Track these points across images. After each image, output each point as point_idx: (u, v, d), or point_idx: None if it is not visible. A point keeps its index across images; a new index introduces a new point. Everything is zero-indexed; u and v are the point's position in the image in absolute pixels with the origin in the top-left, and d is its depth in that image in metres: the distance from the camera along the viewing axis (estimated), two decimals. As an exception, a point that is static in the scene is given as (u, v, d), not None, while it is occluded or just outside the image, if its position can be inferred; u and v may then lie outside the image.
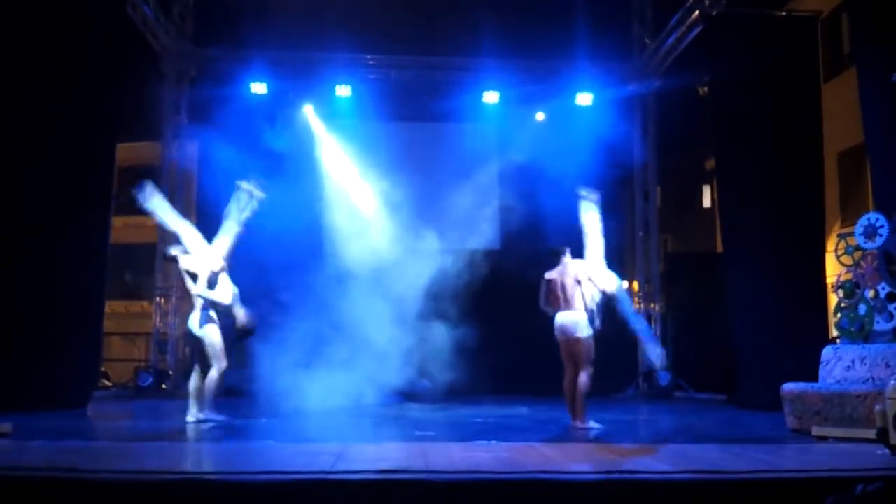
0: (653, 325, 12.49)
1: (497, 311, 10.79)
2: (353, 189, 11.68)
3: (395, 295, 9.39)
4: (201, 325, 6.74)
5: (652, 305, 12.59)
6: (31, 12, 8.04)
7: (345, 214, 11.30)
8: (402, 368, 9.25)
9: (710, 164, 16.89)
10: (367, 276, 9.58)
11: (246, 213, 7.10)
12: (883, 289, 6.66)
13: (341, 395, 8.43)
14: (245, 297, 7.23)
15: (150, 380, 11.27)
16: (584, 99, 12.13)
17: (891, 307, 6.58)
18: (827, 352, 6.60)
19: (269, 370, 8.15)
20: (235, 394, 8.85)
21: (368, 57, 12.20)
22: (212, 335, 6.74)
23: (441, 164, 11.57)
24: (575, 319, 6.53)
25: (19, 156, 7.83)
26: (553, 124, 12.32)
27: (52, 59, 8.11)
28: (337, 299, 9.00)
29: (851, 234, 7.07)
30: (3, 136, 7.69)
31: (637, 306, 12.75)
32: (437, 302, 9.37)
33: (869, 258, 6.95)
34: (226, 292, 6.96)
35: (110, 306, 14.08)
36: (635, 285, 13.21)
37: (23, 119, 7.86)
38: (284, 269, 9.35)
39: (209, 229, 7.27)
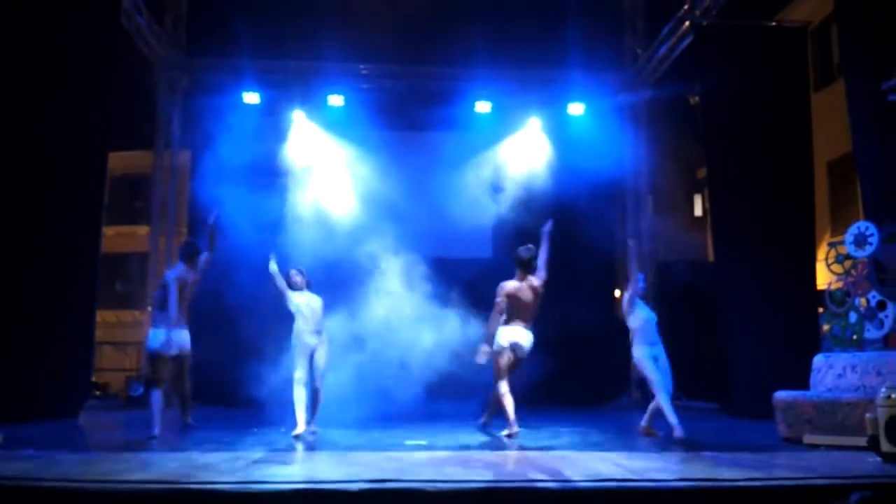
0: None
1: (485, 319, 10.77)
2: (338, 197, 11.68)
3: (389, 304, 9.37)
4: None
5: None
6: (25, 22, 8.05)
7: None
8: (396, 376, 9.21)
9: (702, 173, 16.96)
10: (362, 283, 9.53)
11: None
12: (873, 297, 6.70)
13: (338, 404, 8.38)
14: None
15: (142, 389, 11.19)
16: (577, 109, 12.18)
17: (881, 315, 6.62)
18: (818, 360, 6.62)
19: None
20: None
21: (361, 67, 12.23)
22: None
23: (433, 173, 11.59)
24: None
25: (10, 164, 7.82)
26: (545, 134, 12.38)
27: (45, 68, 8.11)
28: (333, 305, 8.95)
29: (842, 242, 7.12)
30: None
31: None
32: (428, 310, 9.33)
33: (859, 266, 6.99)
34: None
35: (101, 316, 13.99)
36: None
37: (14, 127, 7.85)
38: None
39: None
